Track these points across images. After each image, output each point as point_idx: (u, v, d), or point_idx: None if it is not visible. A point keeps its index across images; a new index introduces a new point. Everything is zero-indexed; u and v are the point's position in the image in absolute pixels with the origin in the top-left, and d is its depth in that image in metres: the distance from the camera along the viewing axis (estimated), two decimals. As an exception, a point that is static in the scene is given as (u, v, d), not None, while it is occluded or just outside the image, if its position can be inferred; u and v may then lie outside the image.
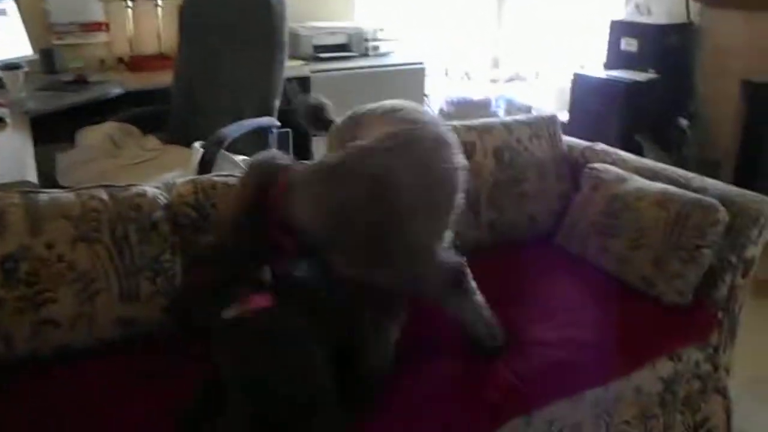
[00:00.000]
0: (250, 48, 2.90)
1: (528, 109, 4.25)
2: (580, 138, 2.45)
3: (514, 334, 1.69)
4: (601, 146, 2.35)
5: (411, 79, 4.06)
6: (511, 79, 4.63)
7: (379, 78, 3.92)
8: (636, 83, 3.57)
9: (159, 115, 3.15)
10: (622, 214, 1.97)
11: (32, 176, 1.96)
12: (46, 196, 1.62)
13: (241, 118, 2.81)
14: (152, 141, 3.02)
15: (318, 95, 1.93)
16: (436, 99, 4.38)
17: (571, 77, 3.82)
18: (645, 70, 3.64)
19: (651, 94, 3.59)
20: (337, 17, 4.23)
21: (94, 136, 2.92)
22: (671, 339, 1.82)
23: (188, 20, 3.11)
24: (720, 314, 1.92)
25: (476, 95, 4.41)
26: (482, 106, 4.31)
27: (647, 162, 2.22)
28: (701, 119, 3.65)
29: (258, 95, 2.89)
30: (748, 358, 2.15)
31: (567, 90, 4.02)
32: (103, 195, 1.66)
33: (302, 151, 3.53)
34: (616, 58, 3.81)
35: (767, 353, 2.41)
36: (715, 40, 3.56)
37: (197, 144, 2.60)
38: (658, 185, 1.98)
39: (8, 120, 2.57)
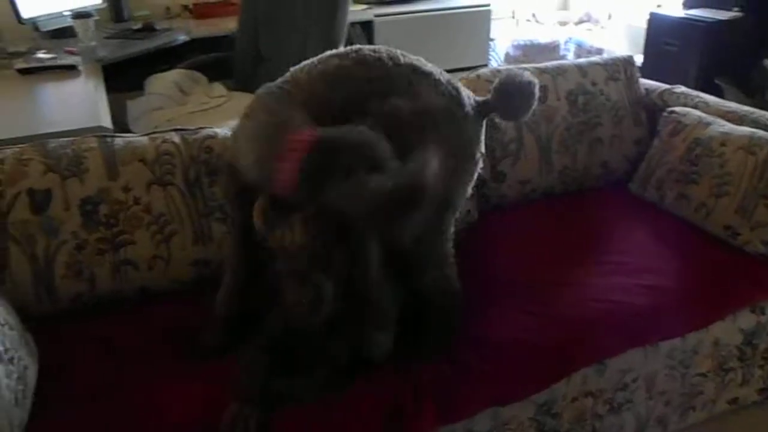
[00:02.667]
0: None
1: (599, 52, 4.07)
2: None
3: (587, 281, 1.66)
4: (681, 89, 2.22)
5: (477, 22, 3.93)
6: (581, 21, 4.44)
7: (445, 21, 3.81)
8: (718, 22, 3.36)
9: (224, 62, 3.15)
10: (703, 160, 1.87)
11: (107, 122, 2.00)
12: (121, 140, 1.65)
13: (305, 62, 2.79)
14: (218, 88, 3.03)
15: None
16: (502, 43, 4.24)
17: (647, 17, 3.62)
18: (728, 8, 3.42)
19: (734, 34, 3.38)
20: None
21: (161, 83, 2.95)
22: (754, 290, 1.74)
23: (253, -36, 3.07)
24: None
25: (544, 38, 4.25)
26: (550, 50, 4.16)
27: (731, 105, 2.09)
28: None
29: (323, 40, 2.85)
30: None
31: (641, 32, 3.82)
32: (176, 138, 1.68)
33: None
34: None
35: None
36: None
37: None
38: (745, 129, 1.86)
39: (81, 68, 2.62)
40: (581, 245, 1.81)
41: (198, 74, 3.05)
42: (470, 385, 1.40)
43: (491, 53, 4.18)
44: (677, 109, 2.06)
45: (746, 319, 1.75)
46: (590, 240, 1.84)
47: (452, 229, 1.49)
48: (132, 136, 1.70)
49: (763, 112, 2.00)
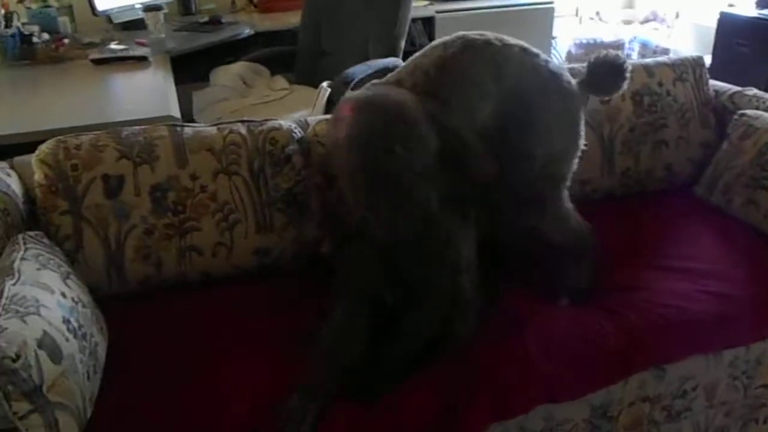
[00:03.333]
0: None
1: (665, 52, 3.98)
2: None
3: (651, 286, 1.63)
4: (753, 91, 2.15)
5: (539, 19, 3.88)
6: (647, 20, 4.33)
7: (507, 18, 3.77)
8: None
9: (287, 55, 3.20)
10: (773, 164, 1.81)
11: (176, 111, 2.06)
12: (190, 130, 1.71)
13: (367, 59, 2.82)
14: (281, 81, 3.09)
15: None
16: (564, 41, 4.18)
17: (717, 17, 3.51)
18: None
19: (811, 35, 3.25)
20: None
21: (226, 75, 3.02)
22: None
23: (317, -40, 3.11)
24: None
25: (607, 37, 4.16)
26: (614, 49, 4.06)
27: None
28: None
29: (385, 36, 2.87)
30: None
31: (710, 31, 3.71)
32: (242, 129, 1.72)
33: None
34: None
35: None
36: None
37: (325, 84, 2.64)
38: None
39: (150, 59, 2.71)
40: (644, 249, 1.77)
41: (261, 67, 3.11)
42: (527, 380, 1.40)
43: (553, 51, 4.12)
44: (748, 112, 2.00)
45: (815, 331, 1.69)
46: (654, 244, 1.80)
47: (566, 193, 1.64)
48: (200, 126, 1.75)
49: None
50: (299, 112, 2.60)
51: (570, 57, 4.12)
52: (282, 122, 1.78)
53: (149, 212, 1.60)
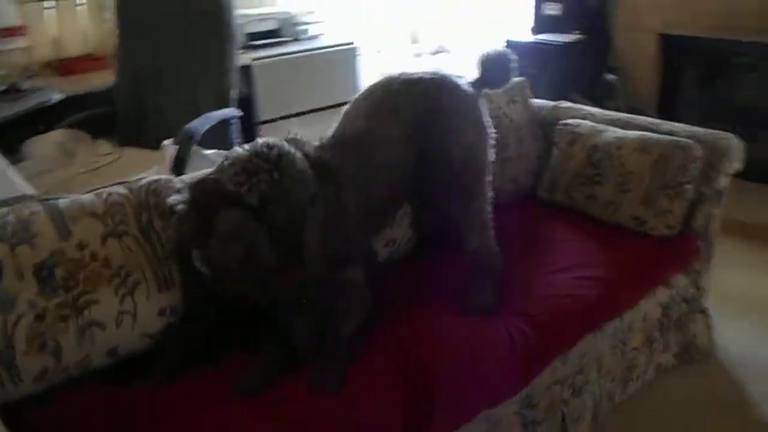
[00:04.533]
0: (200, 38, 2.85)
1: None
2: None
3: (535, 281, 1.82)
4: (566, 104, 2.50)
5: (344, 60, 4.09)
6: (437, 52, 4.75)
7: (315, 61, 3.93)
8: (563, 45, 3.79)
9: (104, 117, 3.02)
10: (605, 163, 2.13)
11: (28, 188, 1.87)
12: (65, 200, 1.57)
13: (198, 112, 2.76)
14: (104, 145, 2.91)
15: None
16: (371, 78, 4.42)
17: (504, 44, 3.99)
18: (570, 32, 3.86)
19: (578, 54, 3.82)
20: (260, 3, 4.19)
21: (44, 145, 2.78)
22: (667, 268, 2.01)
23: (127, 15, 3.00)
24: (699, 242, 2.12)
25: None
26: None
27: (613, 113, 2.39)
28: (624, 73, 3.91)
29: (216, 86, 2.85)
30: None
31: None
32: (120, 189, 1.62)
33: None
34: (541, 23, 4.02)
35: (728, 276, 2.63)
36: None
37: (167, 142, 2.54)
38: (635, 133, 2.15)
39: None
40: (520, 252, 1.95)
41: (81, 133, 2.89)
42: (470, 390, 1.49)
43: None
44: (570, 121, 2.32)
45: (662, 294, 2.02)
46: (526, 247, 2.00)
47: (491, 194, 1.79)
48: (75, 195, 1.61)
49: (642, 117, 2.32)
50: (147, 171, 2.48)
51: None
52: (156, 175, 1.71)
53: (37, 294, 1.43)
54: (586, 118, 2.34)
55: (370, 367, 1.48)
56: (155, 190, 1.64)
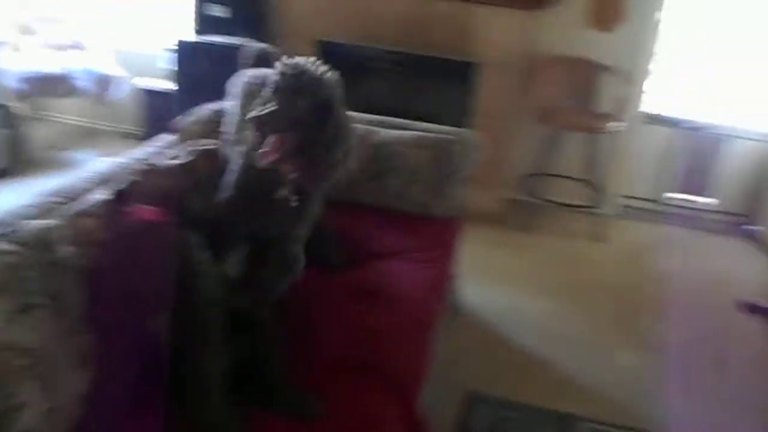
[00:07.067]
0: None
1: (114, 79, 4.06)
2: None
3: (390, 273, 2.04)
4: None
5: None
6: (74, 47, 4.24)
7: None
8: (233, 47, 3.87)
9: None
10: (391, 159, 2.41)
11: None
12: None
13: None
14: None
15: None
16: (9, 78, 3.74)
17: (176, 44, 3.86)
18: (237, 35, 3.96)
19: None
20: None
21: None
22: (452, 240, 2.43)
23: None
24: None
25: (50, 68, 3.94)
26: (63, 80, 3.91)
27: (368, 116, 2.66)
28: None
29: None
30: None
31: (155, 58, 4.07)
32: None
33: None
34: (206, 24, 4.01)
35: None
36: (292, 7, 4.11)
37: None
38: (408, 132, 2.48)
39: None
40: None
41: None
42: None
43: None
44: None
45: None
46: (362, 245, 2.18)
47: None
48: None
49: (393, 119, 2.62)
50: None
51: (20, 94, 3.74)
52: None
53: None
54: (349, 121, 2.57)
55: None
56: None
